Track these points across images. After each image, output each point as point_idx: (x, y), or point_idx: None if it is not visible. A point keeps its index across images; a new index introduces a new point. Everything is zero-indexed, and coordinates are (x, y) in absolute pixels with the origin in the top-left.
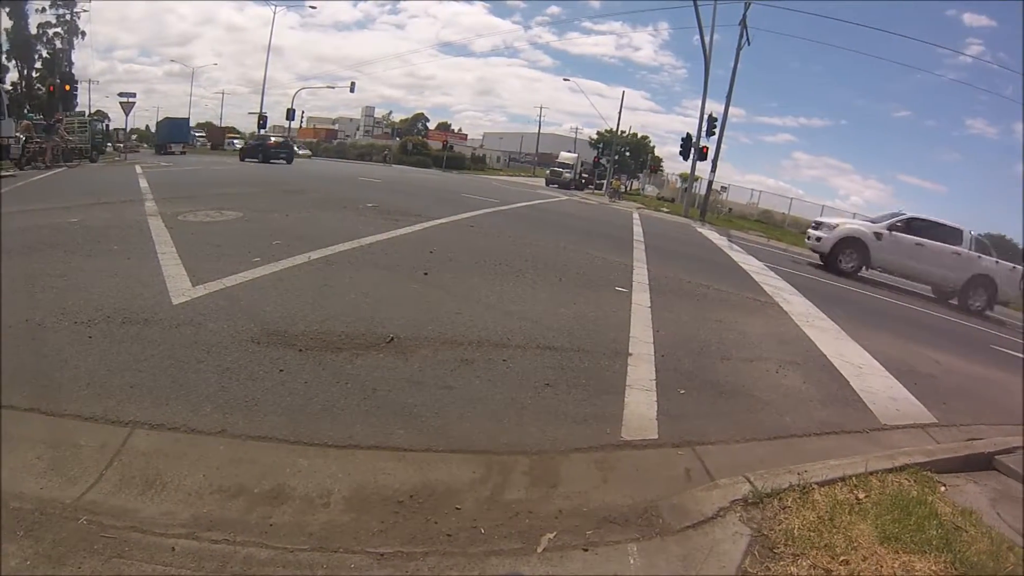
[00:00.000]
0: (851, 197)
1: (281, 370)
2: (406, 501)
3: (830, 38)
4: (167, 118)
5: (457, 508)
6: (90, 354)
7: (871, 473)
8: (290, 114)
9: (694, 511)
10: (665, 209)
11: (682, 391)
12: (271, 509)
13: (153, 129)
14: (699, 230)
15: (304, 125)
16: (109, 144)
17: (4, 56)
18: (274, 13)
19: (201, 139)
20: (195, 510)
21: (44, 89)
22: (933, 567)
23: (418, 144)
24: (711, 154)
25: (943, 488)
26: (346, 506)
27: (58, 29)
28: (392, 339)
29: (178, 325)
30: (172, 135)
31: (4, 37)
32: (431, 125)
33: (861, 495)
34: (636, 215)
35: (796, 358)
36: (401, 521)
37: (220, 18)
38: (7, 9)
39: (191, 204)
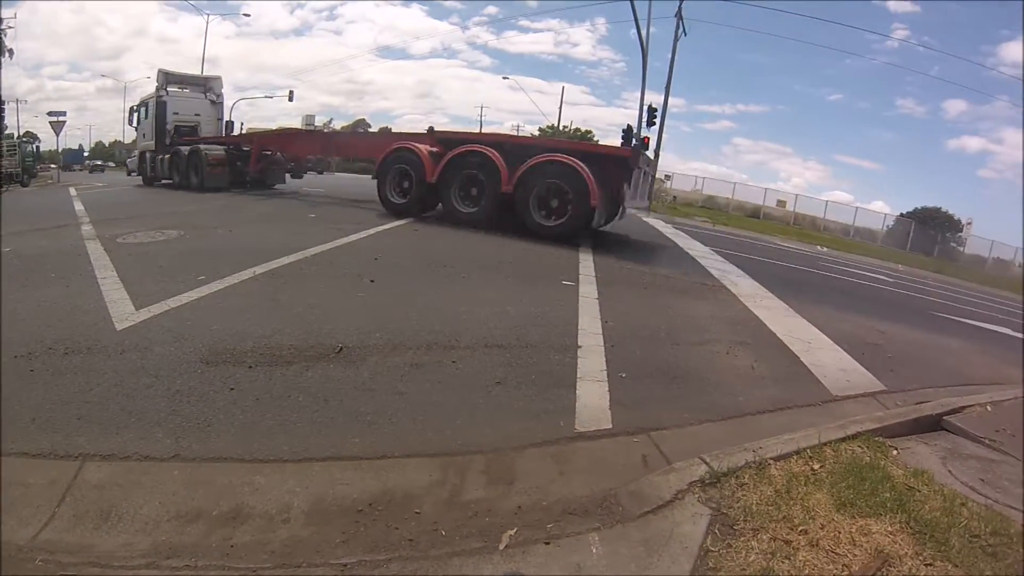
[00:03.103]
0: (792, 179)
1: (232, 388)
2: (366, 509)
3: (766, 27)
4: (67, 149)
5: (417, 512)
6: (33, 388)
7: (824, 444)
8: (229, 126)
9: (653, 496)
10: None
11: (634, 379)
12: (231, 530)
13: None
14: (644, 219)
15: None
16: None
17: None
18: (207, 23)
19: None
20: (154, 539)
21: None
22: (889, 528)
23: None
24: (652, 144)
25: (895, 452)
26: (306, 520)
27: None
28: (341, 349)
29: (123, 351)
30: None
31: None
32: (373, 130)
33: (816, 466)
34: None
35: (746, 338)
36: (362, 530)
37: (152, 30)
38: None
39: (130, 225)
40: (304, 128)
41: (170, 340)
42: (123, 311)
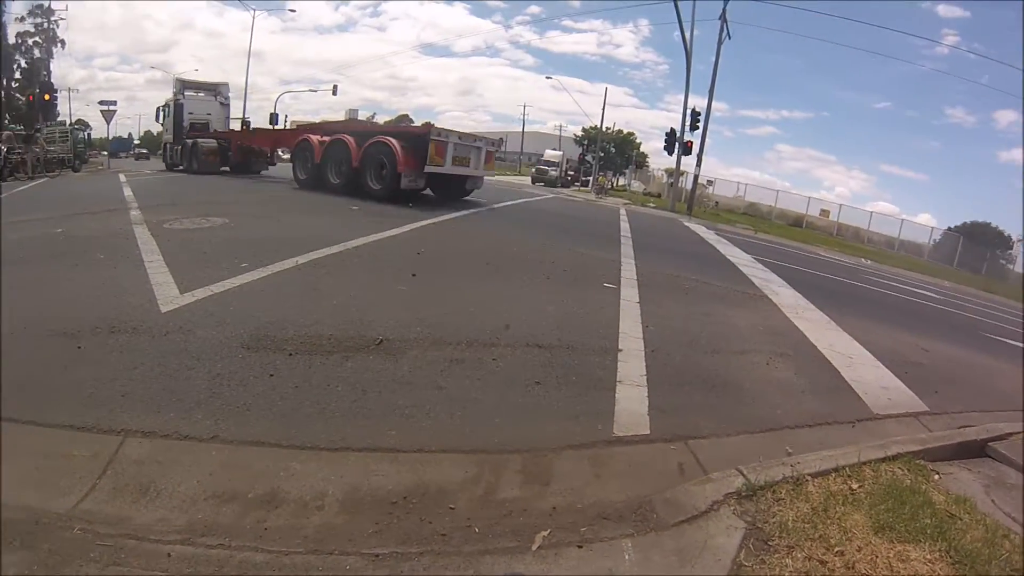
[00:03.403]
0: (836, 188)
1: (272, 375)
2: (400, 502)
3: (810, 31)
4: (117, 137)
5: (451, 508)
6: (81, 364)
7: (864, 463)
8: (273, 118)
9: (688, 505)
10: (652, 205)
11: (673, 385)
12: (265, 513)
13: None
14: (686, 224)
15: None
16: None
17: None
18: (253, 17)
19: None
20: (190, 516)
21: (23, 99)
22: (928, 556)
23: None
24: (695, 148)
25: (936, 476)
26: (340, 508)
27: (37, 38)
28: (381, 341)
29: (167, 333)
30: (118, 147)
31: None
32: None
33: (855, 485)
34: (623, 211)
35: (787, 350)
36: (395, 522)
37: (198, 24)
38: None
39: (176, 212)
40: (244, 126)
41: (212, 324)
42: (168, 294)
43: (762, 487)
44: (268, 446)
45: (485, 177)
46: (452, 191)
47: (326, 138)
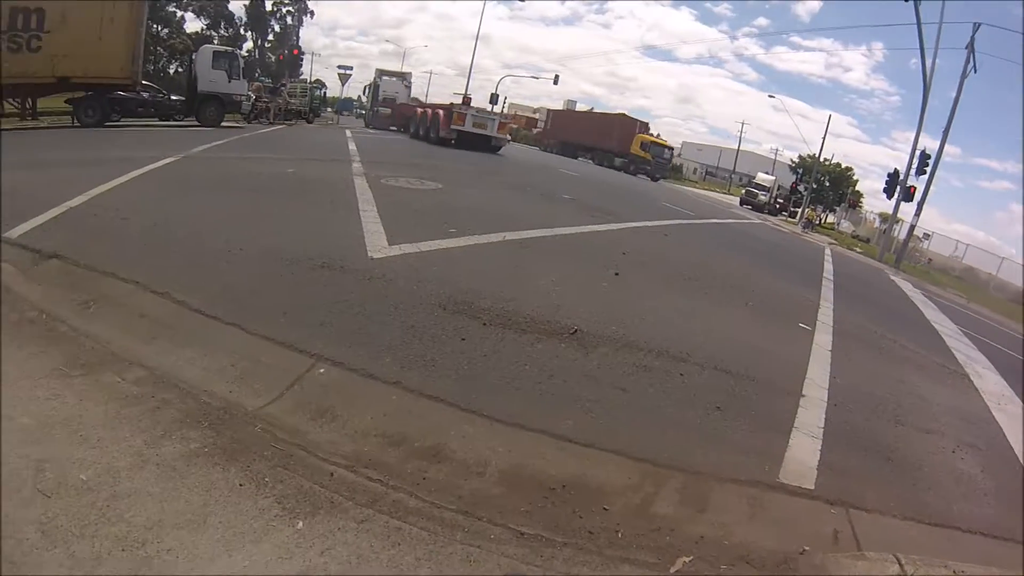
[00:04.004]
0: None
1: (463, 339)
2: (558, 489)
3: None
4: (347, 97)
5: (604, 509)
6: (290, 288)
7: None
8: (494, 99)
9: None
10: (858, 249)
11: (848, 446)
12: (428, 464)
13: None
14: (892, 277)
15: (506, 111)
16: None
17: (242, 27)
18: (484, 4)
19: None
20: (357, 447)
21: (274, 58)
22: None
23: None
24: (918, 195)
25: None
26: (499, 480)
27: (290, 8)
28: (576, 331)
29: (371, 278)
30: (342, 107)
31: (244, 12)
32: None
33: None
34: (828, 251)
35: (978, 442)
36: (548, 507)
37: (432, 6)
38: None
39: (394, 170)
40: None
41: (414, 279)
42: (377, 243)
43: None
44: (446, 404)
45: (505, 139)
46: (479, 146)
47: (419, 110)
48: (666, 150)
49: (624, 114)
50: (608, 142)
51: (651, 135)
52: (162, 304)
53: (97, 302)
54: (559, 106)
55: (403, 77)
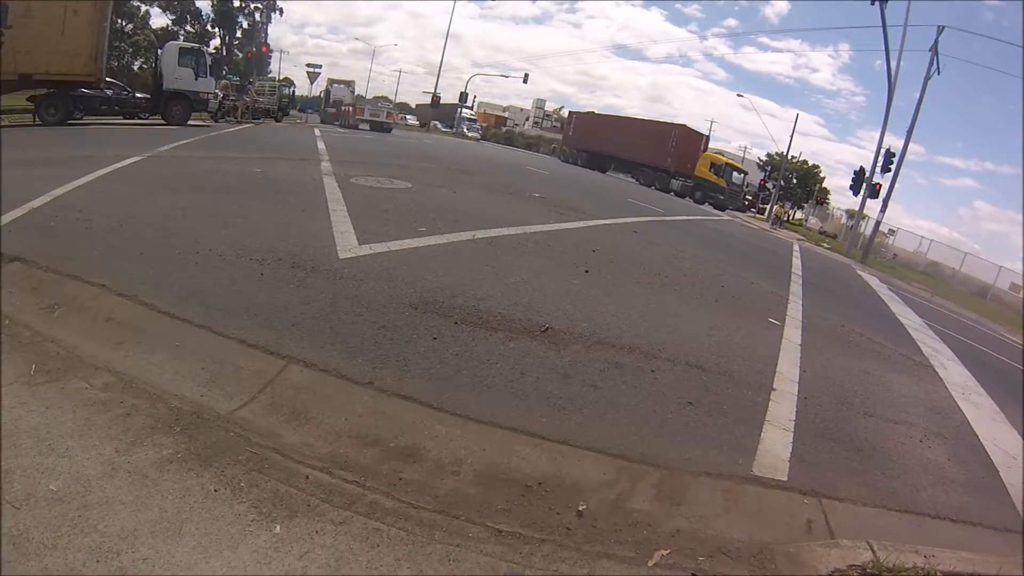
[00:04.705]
0: None
1: (435, 338)
2: (534, 487)
3: None
4: (313, 96)
5: (581, 505)
6: (260, 289)
7: None
8: (463, 97)
9: (808, 565)
10: (826, 245)
11: (819, 438)
12: (403, 465)
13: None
14: (859, 272)
15: (476, 109)
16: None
17: (209, 24)
18: (454, 3)
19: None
20: (333, 448)
21: (242, 55)
22: None
23: None
24: (883, 192)
25: None
26: (475, 479)
27: (258, 4)
28: (547, 329)
29: (342, 278)
30: (307, 105)
31: (211, 8)
32: None
33: None
34: (796, 247)
35: (944, 431)
36: (525, 505)
37: (405, 5)
38: None
39: (363, 169)
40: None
41: (385, 278)
42: (347, 243)
43: (890, 569)
44: (419, 404)
45: (393, 124)
46: (379, 130)
47: (343, 107)
48: (741, 174)
49: (685, 125)
50: (660, 159)
51: (715, 151)
52: (130, 307)
53: (62, 306)
54: (527, 106)
55: (348, 84)
